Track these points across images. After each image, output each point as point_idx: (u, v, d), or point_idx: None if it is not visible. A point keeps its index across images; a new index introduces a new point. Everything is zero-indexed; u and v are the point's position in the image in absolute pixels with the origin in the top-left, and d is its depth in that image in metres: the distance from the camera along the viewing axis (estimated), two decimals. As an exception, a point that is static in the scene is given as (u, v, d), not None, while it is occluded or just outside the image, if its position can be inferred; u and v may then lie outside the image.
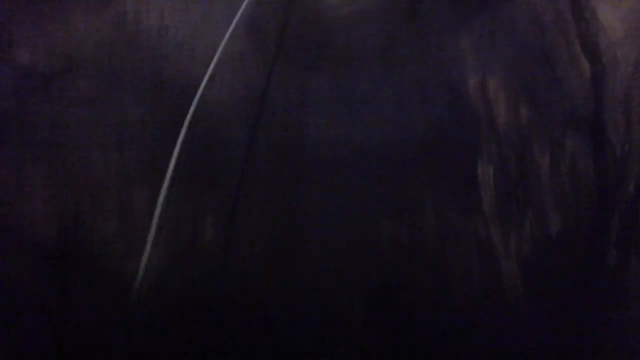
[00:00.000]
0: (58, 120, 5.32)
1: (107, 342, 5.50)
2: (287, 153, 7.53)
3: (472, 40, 7.63)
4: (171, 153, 6.68)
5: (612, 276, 4.33)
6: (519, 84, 6.84)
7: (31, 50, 5.01)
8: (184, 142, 6.03)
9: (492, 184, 7.46)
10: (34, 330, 5.13)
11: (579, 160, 5.45)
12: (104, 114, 5.92)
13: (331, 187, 7.18)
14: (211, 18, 6.94)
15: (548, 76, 6.06)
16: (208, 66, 7.01)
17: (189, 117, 6.00)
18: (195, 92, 6.75)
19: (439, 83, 8.31)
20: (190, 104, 6.88)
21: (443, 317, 5.74)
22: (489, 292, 6.20)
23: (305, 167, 7.12)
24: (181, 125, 6.75)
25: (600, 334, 4.51)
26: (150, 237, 5.51)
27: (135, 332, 5.26)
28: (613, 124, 4.88)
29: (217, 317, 6.11)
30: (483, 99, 7.77)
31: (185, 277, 6.06)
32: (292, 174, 7.26)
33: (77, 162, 5.70)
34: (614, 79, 5.00)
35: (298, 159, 7.53)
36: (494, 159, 7.58)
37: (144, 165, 6.42)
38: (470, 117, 7.99)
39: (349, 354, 5.86)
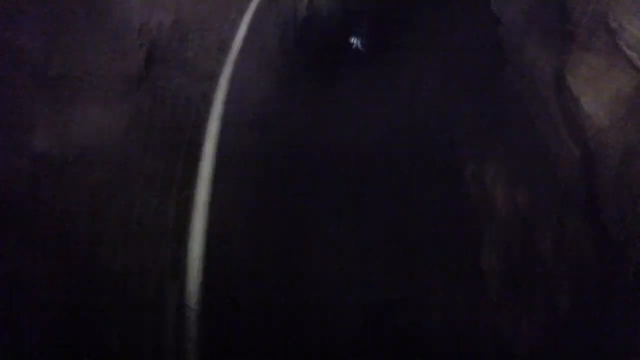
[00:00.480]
0: (68, 206, 5.40)
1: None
2: (293, 240, 7.52)
3: (465, 129, 7.92)
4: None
5: (623, 352, 4.22)
6: (513, 169, 6.99)
7: (48, 137, 5.21)
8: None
9: (497, 269, 7.35)
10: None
11: (581, 242, 5.49)
12: (112, 204, 6.00)
13: (337, 278, 7.16)
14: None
15: (541, 161, 6.26)
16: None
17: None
18: (201, 191, 6.92)
19: (437, 173, 8.47)
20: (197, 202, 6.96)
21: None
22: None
23: (310, 257, 7.15)
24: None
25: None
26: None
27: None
28: (607, 207, 5.01)
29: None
30: (480, 186, 7.87)
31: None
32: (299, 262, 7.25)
33: (82, 252, 5.67)
34: (604, 166, 5.18)
35: (306, 252, 7.51)
36: (496, 245, 7.53)
37: (148, 258, 6.40)
38: (470, 205, 8.06)
39: None
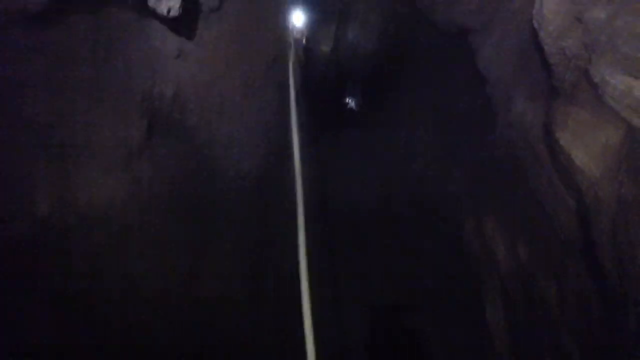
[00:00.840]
0: (69, 272, 5.40)
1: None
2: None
3: (462, 184, 8.00)
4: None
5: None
6: (512, 222, 7.01)
7: (49, 202, 5.28)
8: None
9: (503, 322, 7.22)
10: None
11: (585, 290, 5.44)
12: (112, 269, 6.00)
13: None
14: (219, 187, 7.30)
15: (539, 213, 6.30)
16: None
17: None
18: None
19: (437, 228, 8.49)
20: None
21: None
22: None
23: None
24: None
25: None
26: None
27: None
28: (605, 257, 5.02)
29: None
30: (481, 240, 7.87)
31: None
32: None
33: (83, 314, 5.62)
34: (600, 217, 5.23)
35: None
36: (500, 298, 7.42)
37: (145, 320, 6.29)
38: (472, 260, 8.03)
39: None
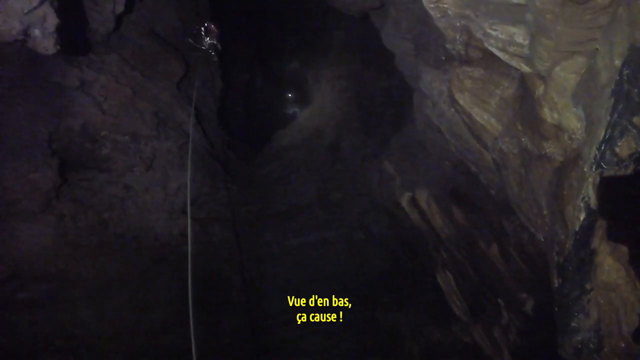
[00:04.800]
0: (9, 323, 5.34)
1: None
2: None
3: (394, 164, 8.12)
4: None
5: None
6: (446, 191, 7.18)
7: None
8: None
9: (456, 287, 7.40)
10: None
11: (523, 238, 5.64)
12: (53, 315, 5.91)
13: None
14: (147, 208, 7.23)
15: (470, 180, 6.46)
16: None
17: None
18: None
19: (376, 208, 8.56)
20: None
21: None
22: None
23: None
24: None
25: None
26: None
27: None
28: (517, 207, 5.24)
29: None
30: (418, 211, 8.03)
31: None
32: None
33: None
34: (509, 170, 5.43)
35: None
36: (448, 264, 7.61)
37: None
38: (412, 232, 8.15)
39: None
